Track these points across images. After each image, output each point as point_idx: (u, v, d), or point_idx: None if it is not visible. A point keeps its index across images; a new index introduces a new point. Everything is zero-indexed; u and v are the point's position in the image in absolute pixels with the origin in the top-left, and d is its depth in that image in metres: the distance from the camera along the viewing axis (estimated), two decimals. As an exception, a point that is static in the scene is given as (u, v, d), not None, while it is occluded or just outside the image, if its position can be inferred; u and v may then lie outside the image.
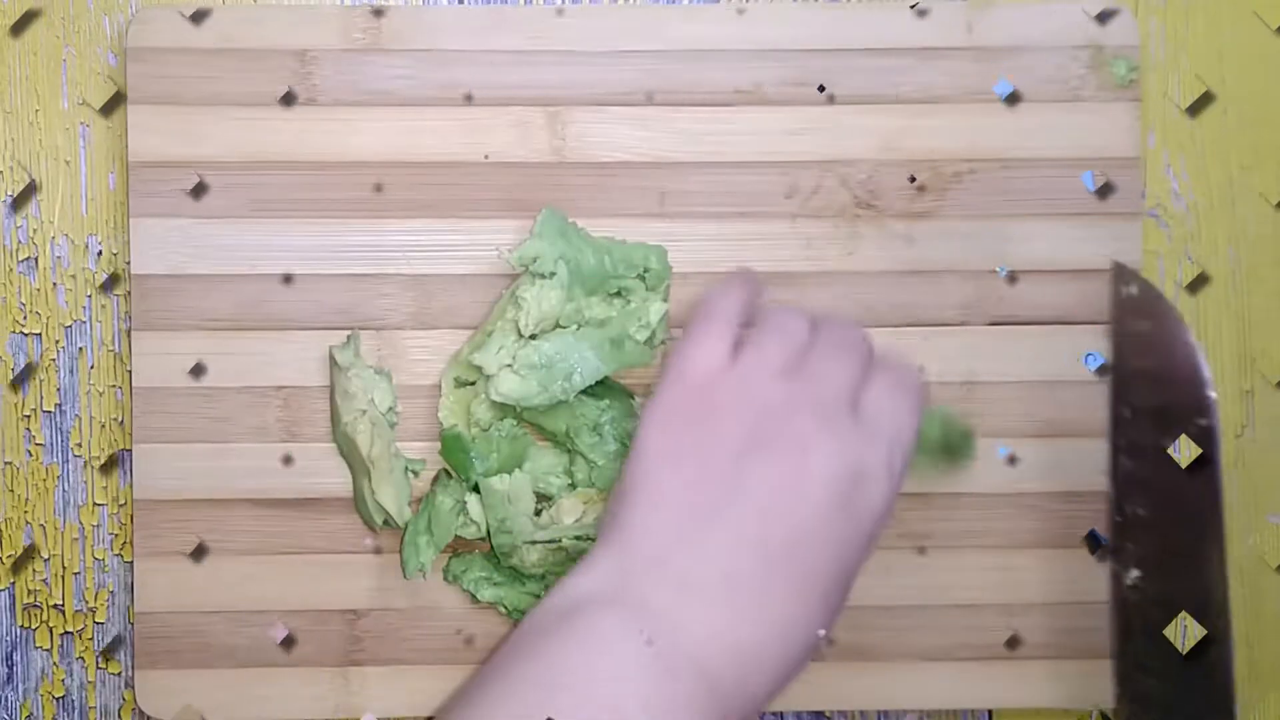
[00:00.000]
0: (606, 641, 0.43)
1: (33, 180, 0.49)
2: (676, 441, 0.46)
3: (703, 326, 0.48)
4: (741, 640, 0.44)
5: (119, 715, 0.56)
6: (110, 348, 0.55)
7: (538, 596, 0.53)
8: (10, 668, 0.55)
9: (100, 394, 0.55)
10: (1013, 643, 0.54)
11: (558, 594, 0.45)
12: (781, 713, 0.56)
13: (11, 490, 0.55)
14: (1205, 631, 0.50)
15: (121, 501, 0.55)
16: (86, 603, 0.55)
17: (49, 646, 0.55)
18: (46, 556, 0.55)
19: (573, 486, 0.52)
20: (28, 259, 0.55)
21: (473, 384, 0.53)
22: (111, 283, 0.53)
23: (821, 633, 0.45)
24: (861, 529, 0.46)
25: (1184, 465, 0.50)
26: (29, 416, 0.55)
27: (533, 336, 0.51)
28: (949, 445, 0.52)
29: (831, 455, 0.45)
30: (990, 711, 0.56)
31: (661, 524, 0.45)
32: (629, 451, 0.47)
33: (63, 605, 0.55)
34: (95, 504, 0.55)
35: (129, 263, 0.54)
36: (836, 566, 0.45)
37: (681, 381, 0.47)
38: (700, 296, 0.50)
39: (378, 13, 0.54)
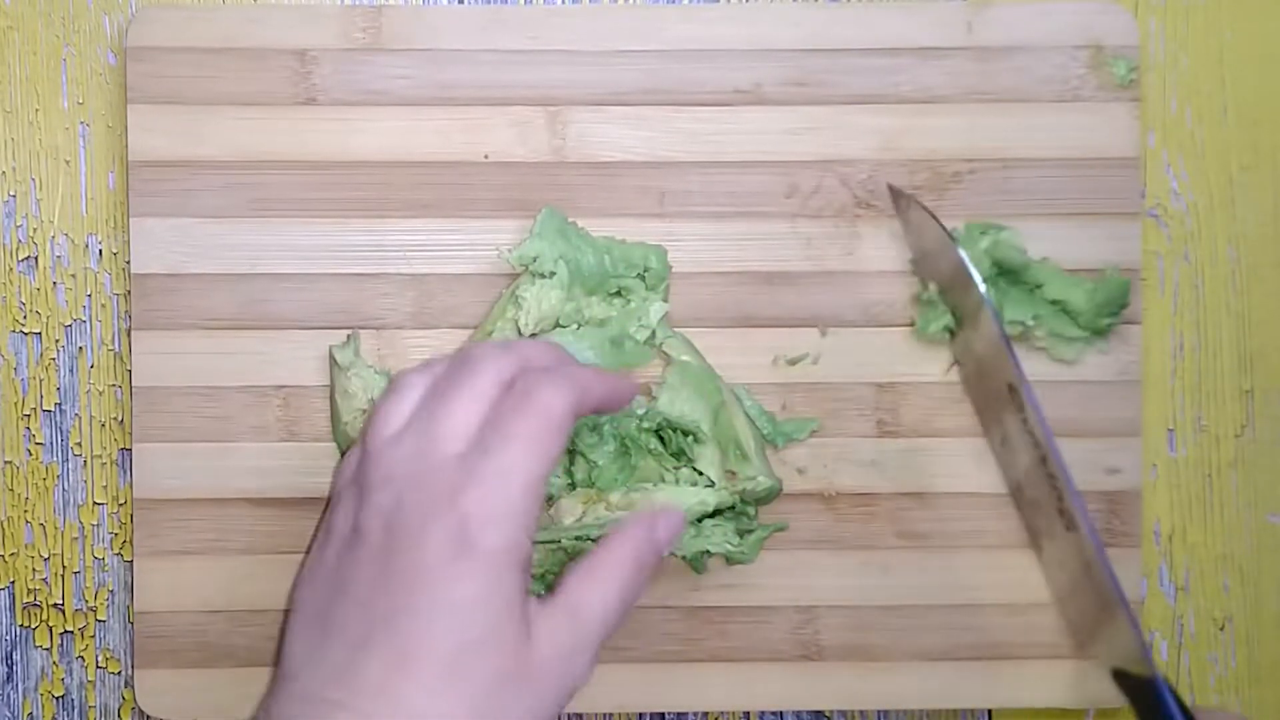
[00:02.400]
0: None
1: None
2: (309, 564, 0.46)
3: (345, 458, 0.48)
4: None
5: (119, 715, 0.56)
6: (110, 347, 0.55)
7: (538, 595, 0.53)
8: (10, 667, 0.55)
9: (100, 394, 0.55)
10: (1012, 643, 0.54)
11: None
12: (781, 712, 0.56)
13: (11, 489, 0.55)
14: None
15: (121, 501, 0.55)
16: (86, 602, 0.55)
17: (49, 646, 0.55)
18: (46, 556, 0.55)
19: (572, 486, 0.52)
20: (28, 258, 0.55)
21: (473, 384, 0.53)
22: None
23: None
24: (473, 585, 0.41)
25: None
26: (29, 416, 0.55)
27: (533, 336, 0.51)
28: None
29: (420, 523, 0.42)
30: (990, 711, 0.56)
31: (296, 650, 0.44)
32: None
33: (62, 604, 0.55)
34: (95, 503, 0.55)
35: (129, 262, 0.54)
36: (450, 637, 0.41)
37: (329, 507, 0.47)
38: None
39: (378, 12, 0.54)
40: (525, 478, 0.43)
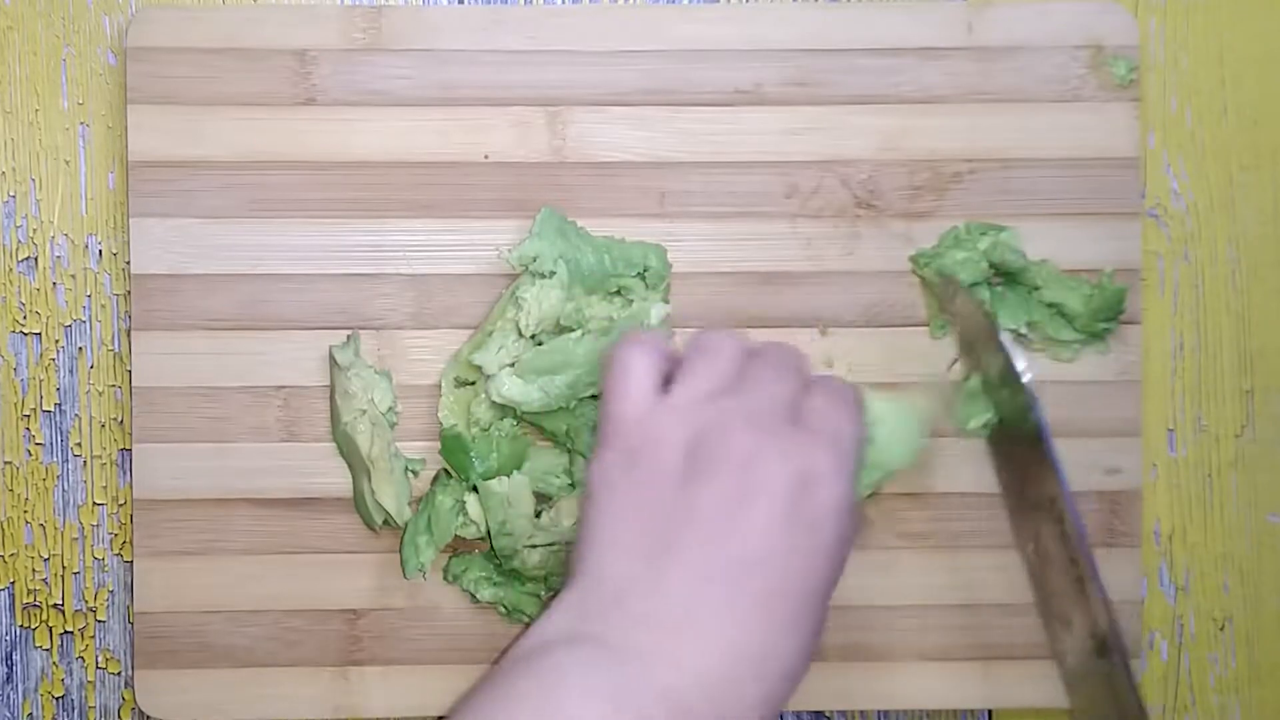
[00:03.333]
0: (565, 680, 0.42)
1: None
2: (623, 482, 0.46)
3: (621, 372, 0.47)
4: (710, 671, 0.42)
5: (119, 715, 0.56)
6: (110, 348, 0.55)
7: (538, 596, 0.53)
8: (10, 667, 0.55)
9: (100, 394, 0.55)
10: (1012, 643, 0.54)
11: (526, 637, 0.45)
12: (781, 713, 0.56)
13: (11, 490, 0.55)
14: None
15: (121, 501, 0.55)
16: (86, 602, 0.55)
17: (49, 646, 0.55)
18: (46, 556, 0.55)
19: (572, 487, 0.52)
20: (28, 259, 0.55)
21: (473, 384, 0.53)
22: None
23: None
24: (820, 537, 0.44)
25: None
26: (29, 416, 0.55)
27: (533, 337, 0.51)
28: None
29: (772, 465, 0.44)
30: (990, 711, 0.56)
31: (618, 564, 0.45)
32: (583, 498, 0.47)
33: (62, 605, 0.55)
34: (95, 504, 0.55)
35: (129, 263, 0.54)
36: (800, 581, 0.44)
37: (616, 424, 0.46)
38: (611, 354, 0.48)
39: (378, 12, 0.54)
40: (853, 443, 0.46)
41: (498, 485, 0.51)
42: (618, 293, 0.52)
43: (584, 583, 0.45)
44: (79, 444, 0.55)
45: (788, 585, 0.43)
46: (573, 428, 0.52)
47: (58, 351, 0.55)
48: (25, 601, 0.55)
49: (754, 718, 0.43)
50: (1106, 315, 0.53)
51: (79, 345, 0.55)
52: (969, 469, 0.54)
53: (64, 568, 0.55)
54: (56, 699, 0.55)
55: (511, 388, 0.51)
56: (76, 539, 0.55)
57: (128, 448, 0.55)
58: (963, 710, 0.56)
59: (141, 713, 0.54)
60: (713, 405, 0.46)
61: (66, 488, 0.55)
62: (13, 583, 0.55)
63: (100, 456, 0.55)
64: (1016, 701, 0.55)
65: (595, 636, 0.43)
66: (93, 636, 0.55)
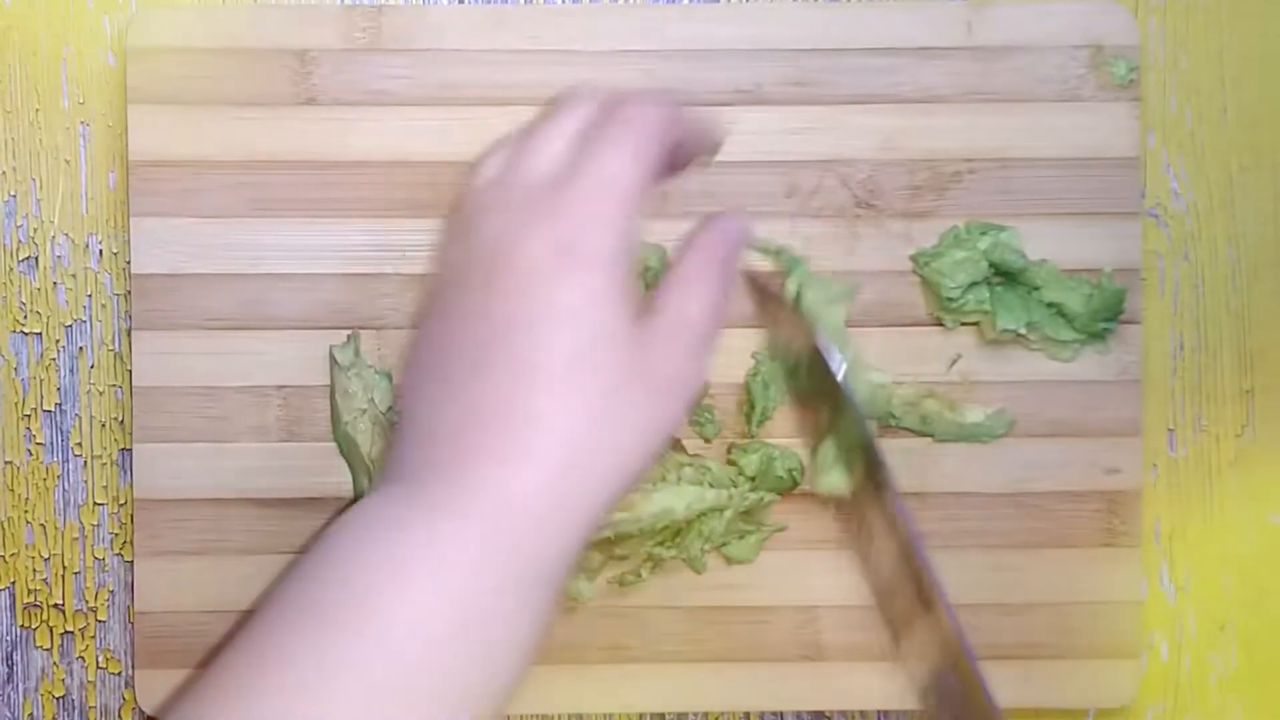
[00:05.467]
0: (364, 512, 0.39)
1: None
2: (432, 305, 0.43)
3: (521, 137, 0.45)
4: (476, 446, 0.39)
5: (119, 715, 0.56)
6: (110, 347, 0.55)
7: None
8: (10, 667, 0.55)
9: (100, 394, 0.55)
10: (1012, 643, 0.54)
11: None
12: (782, 713, 0.56)
13: (11, 489, 0.55)
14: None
15: (121, 501, 0.55)
16: (86, 602, 0.55)
17: (49, 646, 0.55)
18: (46, 556, 0.55)
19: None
20: (28, 259, 0.55)
21: (473, 384, 0.53)
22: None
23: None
24: (576, 288, 0.40)
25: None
26: (29, 416, 0.55)
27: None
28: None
29: (517, 234, 0.41)
30: (990, 711, 0.56)
31: (420, 405, 0.41)
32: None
33: (63, 605, 0.55)
34: (95, 503, 0.55)
35: (129, 262, 0.54)
36: (562, 341, 0.40)
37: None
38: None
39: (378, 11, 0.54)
40: (620, 183, 0.42)
41: (498, 485, 0.51)
42: (618, 293, 0.52)
43: (399, 434, 0.42)
44: (79, 444, 0.55)
45: (543, 343, 0.40)
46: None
47: (58, 351, 0.55)
48: (26, 601, 0.55)
49: (550, 490, 0.39)
50: (1106, 315, 0.53)
51: (79, 345, 0.55)
52: (969, 469, 0.54)
53: (64, 568, 0.55)
54: (57, 699, 0.55)
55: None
56: (77, 539, 0.55)
57: (128, 447, 0.55)
58: (963, 710, 0.56)
59: (141, 713, 0.54)
60: (471, 201, 0.43)
61: (67, 488, 0.55)
62: (13, 583, 0.55)
63: (101, 456, 0.55)
64: (1016, 701, 0.55)
65: (409, 478, 0.40)
66: (93, 636, 0.55)
